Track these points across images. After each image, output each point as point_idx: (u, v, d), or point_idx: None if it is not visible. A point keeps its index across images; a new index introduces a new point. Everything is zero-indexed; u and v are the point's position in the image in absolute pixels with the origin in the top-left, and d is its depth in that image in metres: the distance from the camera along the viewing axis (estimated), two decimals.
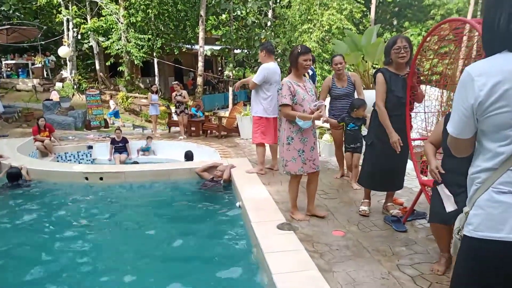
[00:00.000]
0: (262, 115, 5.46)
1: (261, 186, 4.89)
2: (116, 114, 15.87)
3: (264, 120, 5.47)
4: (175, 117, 11.83)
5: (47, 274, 3.37)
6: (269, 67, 5.35)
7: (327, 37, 19.26)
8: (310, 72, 5.33)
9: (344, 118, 4.88)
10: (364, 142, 4.25)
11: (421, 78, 3.65)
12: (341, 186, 4.61)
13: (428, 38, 3.36)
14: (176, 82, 12.21)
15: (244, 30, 18.06)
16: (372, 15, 26.39)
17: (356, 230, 3.57)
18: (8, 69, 20.62)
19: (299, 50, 3.67)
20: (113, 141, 9.39)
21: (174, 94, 10.57)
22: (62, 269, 3.47)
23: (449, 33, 3.42)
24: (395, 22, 32.71)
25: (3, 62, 20.28)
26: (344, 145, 5.09)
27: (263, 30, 17.36)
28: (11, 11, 18.95)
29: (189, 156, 8.10)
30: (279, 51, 17.07)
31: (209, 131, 10.76)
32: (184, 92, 10.40)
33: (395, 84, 3.55)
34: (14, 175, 5.93)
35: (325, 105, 4.19)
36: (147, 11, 18.40)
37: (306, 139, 3.70)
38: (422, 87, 3.72)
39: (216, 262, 3.44)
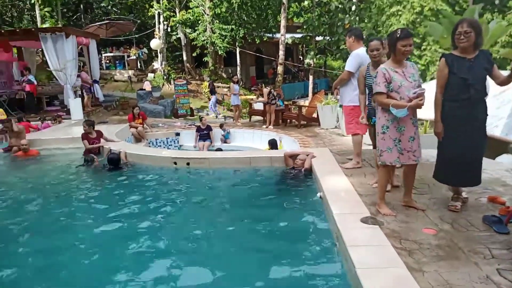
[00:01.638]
0: (355, 104, 5.25)
1: (343, 177, 4.76)
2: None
3: (357, 109, 5.26)
4: (255, 106, 12.05)
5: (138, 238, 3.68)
6: (359, 53, 5.15)
7: (418, 19, 17.89)
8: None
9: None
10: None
11: None
12: (432, 181, 4.27)
13: None
14: (254, 87, 12.68)
15: (327, 16, 17.61)
16: None
17: (450, 229, 3.30)
18: (107, 61, 22.73)
19: (398, 35, 3.46)
20: (198, 129, 9.88)
21: (255, 97, 11.68)
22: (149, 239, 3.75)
23: None
24: (497, 1, 29.32)
25: (103, 55, 22.34)
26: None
27: (347, 15, 16.73)
28: (109, 7, 20.73)
29: (273, 144, 8.19)
30: (364, 36, 16.36)
31: (288, 120, 10.76)
32: (265, 91, 10.49)
33: (459, 66, 3.40)
34: (115, 161, 6.51)
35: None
36: (231, 1, 18.84)
37: (403, 127, 3.50)
38: None
39: (295, 253, 3.42)
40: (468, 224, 3.38)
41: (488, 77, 3.47)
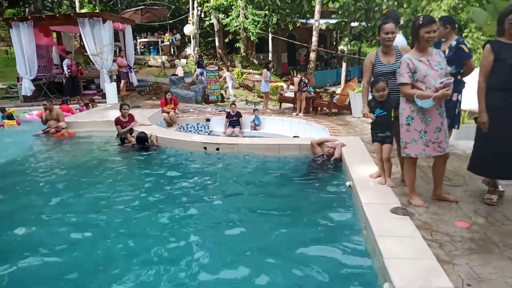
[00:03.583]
0: None
1: (374, 167, 4.65)
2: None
3: None
4: (287, 94, 11.95)
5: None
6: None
7: (460, 5, 17.03)
8: (454, 43, 4.49)
9: (370, 103, 4.00)
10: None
11: None
12: (468, 173, 4.11)
13: None
14: (285, 77, 12.69)
15: (363, 1, 17.09)
16: None
17: (484, 222, 3.18)
18: (142, 47, 23.12)
19: (420, 22, 3.32)
20: (228, 115, 9.92)
21: (285, 86, 11.80)
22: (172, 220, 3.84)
23: None
24: None
25: (138, 40, 22.75)
26: (371, 133, 4.18)
27: (385, 0, 16.17)
28: None
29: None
30: (402, 22, 15.78)
31: (319, 108, 10.61)
32: (295, 81, 10.36)
33: (507, 53, 3.23)
34: (142, 139, 6.85)
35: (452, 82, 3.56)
36: None
37: (429, 118, 3.38)
38: None
39: (323, 242, 3.40)
40: (503, 218, 3.24)
41: None
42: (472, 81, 4.07)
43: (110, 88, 11.81)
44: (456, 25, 4.77)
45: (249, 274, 2.97)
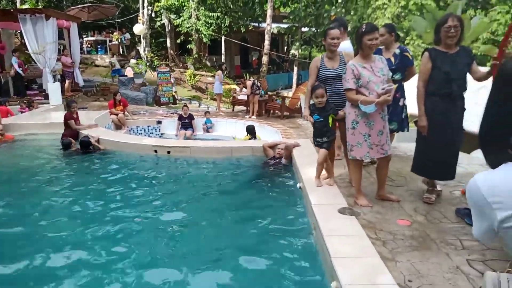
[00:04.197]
0: None
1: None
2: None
3: None
4: (240, 97, 12.00)
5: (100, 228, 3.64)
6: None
7: (403, 13, 18.01)
8: (397, 51, 4.53)
9: (310, 108, 4.09)
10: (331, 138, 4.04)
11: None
12: (409, 173, 4.35)
13: None
14: (238, 81, 12.76)
15: (313, 7, 17.58)
16: None
17: (423, 220, 3.38)
18: (88, 46, 22.16)
19: (363, 29, 3.47)
20: (180, 117, 9.77)
21: (238, 89, 11.80)
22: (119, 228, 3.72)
23: None
24: None
25: (84, 39, 21.77)
26: (313, 137, 4.27)
27: (334, 7, 16.74)
28: None
29: (251, 130, 8.19)
30: (349, 29, 16.42)
31: (271, 111, 10.76)
32: (248, 84, 10.45)
33: (443, 61, 3.46)
34: (85, 143, 6.64)
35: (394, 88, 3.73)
36: None
37: (372, 122, 3.54)
38: None
39: (273, 242, 3.45)
40: (441, 216, 3.46)
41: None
42: (411, 86, 4.32)
43: (53, 88, 11.20)
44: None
45: (198, 276, 2.95)
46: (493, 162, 1.05)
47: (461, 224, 3.29)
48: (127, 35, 21.86)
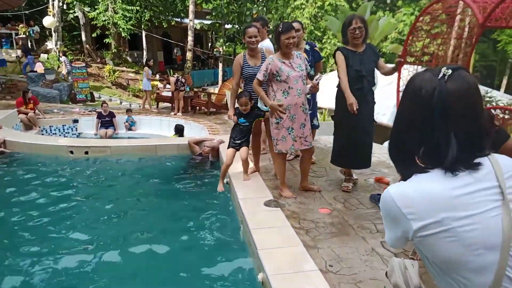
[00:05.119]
0: None
1: (249, 163, 4.86)
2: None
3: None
4: (164, 93, 11.68)
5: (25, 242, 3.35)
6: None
7: (319, 13, 18.91)
8: (308, 47, 4.62)
9: (236, 110, 4.29)
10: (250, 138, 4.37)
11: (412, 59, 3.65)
12: (329, 164, 4.61)
13: (421, 18, 3.32)
14: (161, 77, 12.48)
15: (235, 5, 17.66)
16: None
17: (342, 208, 3.60)
18: None
19: (281, 29, 3.60)
20: (99, 115, 9.23)
21: (161, 86, 11.47)
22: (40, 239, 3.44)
23: (442, 12, 3.38)
24: (388, 1, 32.33)
25: None
26: (230, 140, 4.42)
27: (255, 5, 16.99)
28: None
29: (180, 130, 8.03)
30: (271, 27, 16.82)
31: (197, 107, 10.64)
32: (171, 80, 10.23)
33: (353, 59, 3.69)
34: None
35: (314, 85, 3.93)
36: None
37: (294, 116, 3.67)
38: (413, 67, 3.72)
39: (202, 239, 3.44)
40: (358, 203, 3.72)
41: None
42: (328, 82, 4.56)
43: None
44: None
45: (128, 274, 2.84)
46: (403, 172, 1.14)
47: (375, 209, 3.57)
48: (36, 28, 20.04)
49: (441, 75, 1.04)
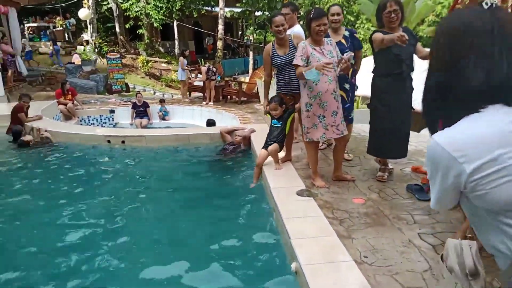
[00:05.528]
0: None
1: (281, 153, 4.84)
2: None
3: None
4: (195, 83, 11.79)
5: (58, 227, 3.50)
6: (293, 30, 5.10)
7: None
8: (347, 33, 4.34)
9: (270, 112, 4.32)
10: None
11: None
12: (363, 153, 4.51)
13: None
14: (192, 67, 12.54)
15: None
16: None
17: (377, 198, 3.53)
18: (31, 32, 20.76)
19: (312, 15, 3.51)
20: (134, 106, 9.47)
21: (193, 75, 11.65)
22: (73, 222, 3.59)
23: None
24: None
25: (26, 25, 20.36)
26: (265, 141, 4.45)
27: None
28: None
29: (211, 124, 8.10)
30: (302, 13, 16.53)
31: (228, 96, 10.68)
32: (203, 70, 10.27)
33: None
34: (17, 133, 6.53)
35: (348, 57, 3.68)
36: None
37: (325, 103, 3.60)
38: None
39: (235, 226, 3.47)
40: (393, 193, 3.62)
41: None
42: (362, 68, 4.43)
43: None
44: None
45: (165, 265, 2.92)
46: (450, 120, 1.04)
47: (412, 200, 3.47)
48: (72, 21, 20.69)
49: (488, 6, 0.99)
